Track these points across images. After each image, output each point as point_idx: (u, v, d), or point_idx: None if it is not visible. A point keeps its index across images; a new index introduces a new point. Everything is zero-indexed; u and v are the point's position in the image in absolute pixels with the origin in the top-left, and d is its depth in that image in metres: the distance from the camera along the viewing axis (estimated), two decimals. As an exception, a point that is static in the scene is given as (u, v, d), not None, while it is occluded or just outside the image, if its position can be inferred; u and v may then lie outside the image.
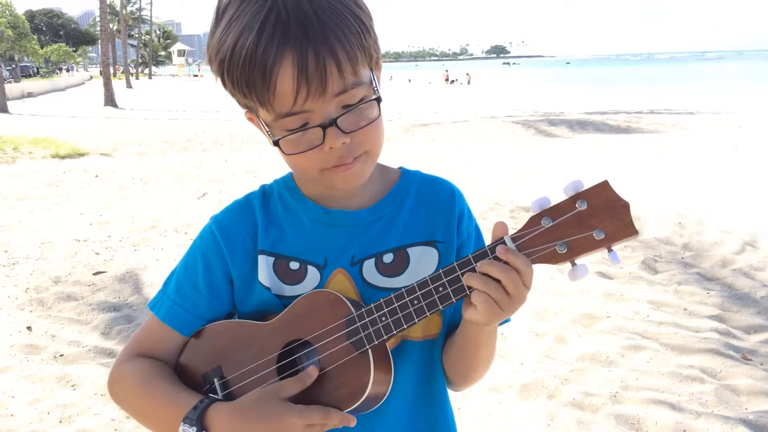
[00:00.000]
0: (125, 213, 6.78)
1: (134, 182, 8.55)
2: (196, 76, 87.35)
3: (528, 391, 3.23)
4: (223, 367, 1.03)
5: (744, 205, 6.56)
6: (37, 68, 78.56)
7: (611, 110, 19.33)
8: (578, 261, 0.88)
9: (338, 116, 0.89)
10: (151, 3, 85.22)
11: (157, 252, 5.50)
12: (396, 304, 0.93)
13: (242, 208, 1.10)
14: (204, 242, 1.08)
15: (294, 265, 1.04)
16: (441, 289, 0.91)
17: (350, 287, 1.03)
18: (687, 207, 6.45)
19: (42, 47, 70.27)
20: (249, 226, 1.07)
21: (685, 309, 4.11)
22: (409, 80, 57.27)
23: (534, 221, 0.89)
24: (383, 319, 0.93)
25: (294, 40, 0.84)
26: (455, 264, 0.91)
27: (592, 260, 4.76)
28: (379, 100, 0.94)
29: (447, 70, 64.28)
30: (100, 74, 35.06)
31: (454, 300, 0.91)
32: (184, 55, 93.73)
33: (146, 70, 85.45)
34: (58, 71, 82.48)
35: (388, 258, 1.04)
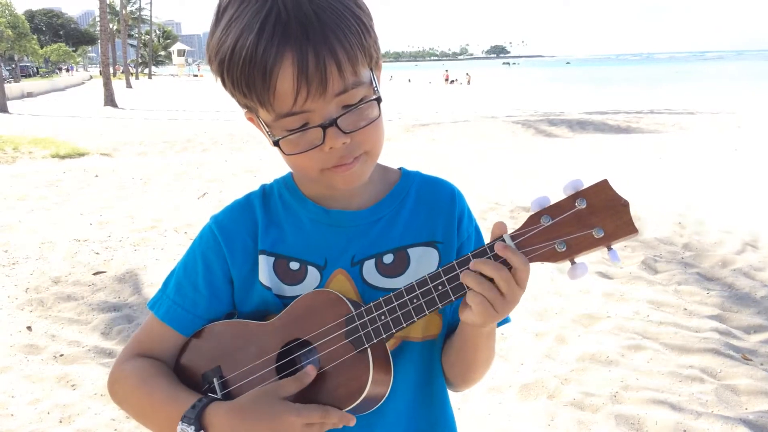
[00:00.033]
0: (125, 213, 6.78)
1: (134, 182, 8.55)
2: (195, 76, 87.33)
3: (528, 391, 3.23)
4: (223, 367, 1.03)
5: (744, 205, 6.56)
6: (37, 68, 78.59)
7: (611, 110, 19.33)
8: (578, 259, 0.88)
9: (338, 116, 0.89)
10: (150, 3, 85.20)
11: (157, 252, 5.50)
12: (395, 303, 0.93)
13: (242, 208, 1.10)
14: (204, 242, 1.08)
15: (294, 266, 1.04)
16: (440, 287, 0.91)
17: (350, 288, 1.03)
18: (687, 207, 6.45)
19: (42, 47, 70.29)
20: (249, 226, 1.07)
21: (685, 309, 4.11)
22: (409, 80, 57.26)
23: (533, 220, 0.89)
24: (382, 317, 0.93)
25: (294, 40, 0.84)
26: (455, 262, 0.91)
27: (592, 260, 4.76)
28: (379, 100, 0.94)
29: (447, 70, 64.27)
30: (100, 74, 35.04)
31: (453, 298, 0.91)
32: (183, 55, 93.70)
33: (146, 70, 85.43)
34: (57, 71, 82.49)
35: (388, 258, 1.04)
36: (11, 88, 34.65)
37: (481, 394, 3.22)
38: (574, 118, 16.98)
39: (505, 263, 0.88)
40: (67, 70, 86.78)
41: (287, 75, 0.85)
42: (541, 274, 4.61)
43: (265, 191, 1.11)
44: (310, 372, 0.94)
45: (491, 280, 0.88)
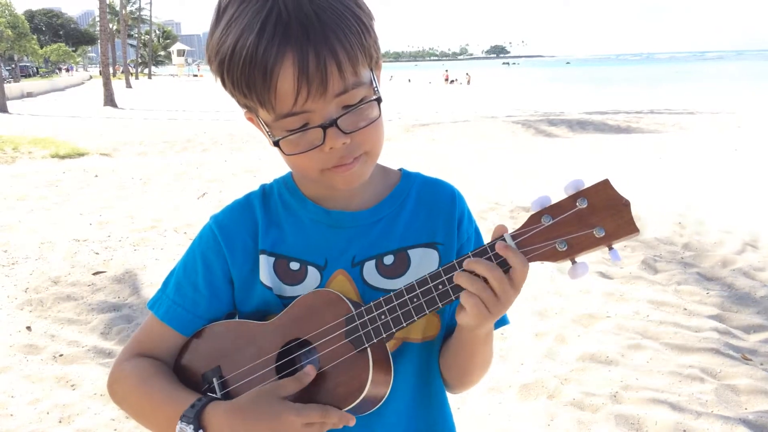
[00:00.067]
0: (125, 213, 6.77)
1: (134, 182, 8.55)
2: (195, 76, 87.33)
3: (528, 391, 3.23)
4: (222, 367, 1.03)
5: (744, 205, 6.56)
6: (37, 68, 78.58)
7: (611, 110, 19.33)
8: (578, 259, 0.88)
9: (338, 116, 0.89)
10: (150, 3, 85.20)
11: (157, 252, 5.49)
12: (395, 302, 0.93)
13: (242, 208, 1.10)
14: (204, 242, 1.08)
15: (294, 266, 1.04)
16: (440, 286, 0.91)
17: (351, 288, 1.03)
18: (687, 207, 6.45)
19: (41, 47, 70.25)
20: (249, 226, 1.07)
21: (685, 309, 4.11)
22: (409, 80, 57.26)
23: (534, 219, 0.89)
24: (382, 317, 0.93)
25: (294, 41, 0.84)
26: (455, 262, 0.91)
27: (593, 260, 4.76)
28: (379, 100, 0.94)
29: (447, 70, 64.27)
30: (100, 74, 35.04)
31: (453, 297, 0.91)
32: (183, 55, 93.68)
33: (146, 70, 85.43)
34: (57, 71, 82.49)
35: (388, 259, 1.04)
36: (11, 88, 34.67)
37: (480, 394, 3.22)
38: (574, 118, 16.98)
39: (505, 263, 0.88)
40: (67, 70, 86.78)
41: (288, 75, 0.85)
42: (541, 273, 4.61)
43: (264, 191, 1.11)
44: (309, 372, 0.94)
45: (485, 280, 0.88)
